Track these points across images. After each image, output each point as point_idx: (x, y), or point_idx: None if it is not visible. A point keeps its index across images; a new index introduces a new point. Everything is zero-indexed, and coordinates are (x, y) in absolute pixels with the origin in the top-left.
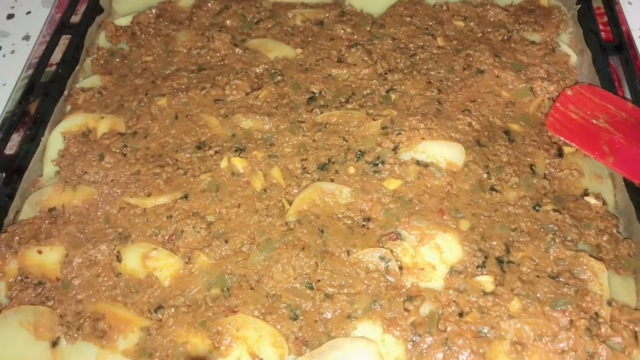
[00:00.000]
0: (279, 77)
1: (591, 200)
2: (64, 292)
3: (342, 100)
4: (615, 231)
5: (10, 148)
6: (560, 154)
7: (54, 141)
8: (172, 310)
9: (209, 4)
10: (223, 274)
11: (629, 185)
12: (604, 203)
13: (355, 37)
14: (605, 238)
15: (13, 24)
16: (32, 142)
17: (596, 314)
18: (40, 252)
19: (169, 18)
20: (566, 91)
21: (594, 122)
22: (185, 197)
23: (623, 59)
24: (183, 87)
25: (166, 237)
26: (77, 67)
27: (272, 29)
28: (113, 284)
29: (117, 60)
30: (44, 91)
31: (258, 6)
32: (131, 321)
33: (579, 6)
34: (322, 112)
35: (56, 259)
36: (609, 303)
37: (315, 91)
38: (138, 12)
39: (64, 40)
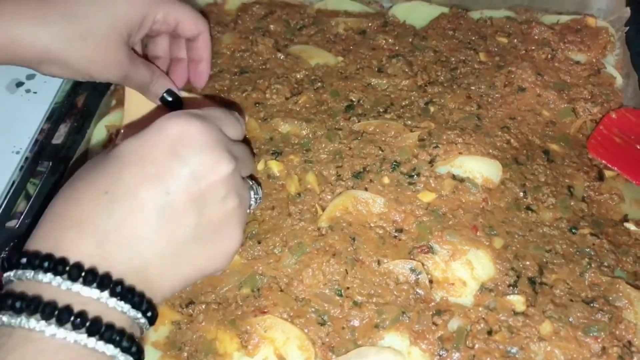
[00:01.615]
0: (319, 84)
1: (631, 226)
2: None
3: (380, 110)
4: None
5: (58, 138)
6: (600, 177)
7: (98, 133)
8: (203, 306)
9: (254, 9)
10: (254, 274)
11: None
12: None
13: (397, 47)
14: None
15: None
16: (78, 134)
17: (629, 342)
18: None
19: (214, 20)
20: (610, 114)
21: (638, 147)
22: None
23: None
24: (225, 88)
25: None
26: None
27: (314, 36)
28: None
29: None
30: (92, 85)
31: (302, 13)
32: (163, 314)
33: (627, 28)
34: (359, 121)
35: None
36: None
37: (353, 99)
38: None
39: None
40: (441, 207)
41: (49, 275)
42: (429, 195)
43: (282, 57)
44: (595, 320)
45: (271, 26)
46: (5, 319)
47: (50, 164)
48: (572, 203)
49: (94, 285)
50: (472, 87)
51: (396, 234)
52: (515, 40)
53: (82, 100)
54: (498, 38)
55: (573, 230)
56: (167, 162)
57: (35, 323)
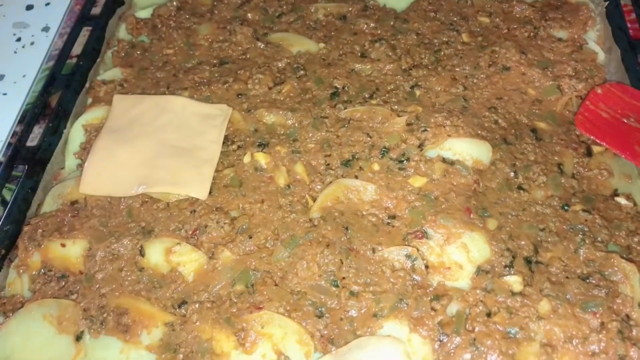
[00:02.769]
0: (302, 72)
1: (622, 200)
2: (87, 285)
3: (366, 95)
4: None
5: (32, 140)
6: (589, 153)
7: (75, 134)
8: (196, 305)
9: None
10: (247, 269)
11: None
12: (635, 204)
13: (379, 31)
14: (636, 239)
15: (32, 15)
16: (54, 135)
17: (627, 316)
18: (63, 245)
19: (189, 11)
20: (596, 89)
21: (625, 121)
22: (209, 192)
23: None
24: (205, 80)
25: (190, 232)
26: (98, 60)
27: (294, 23)
28: (136, 278)
29: (138, 53)
30: (65, 83)
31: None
32: (155, 316)
33: (607, 3)
34: (345, 108)
35: (79, 252)
36: None
37: (338, 86)
38: (159, 5)
39: (85, 32)
40: (433, 191)
41: None
42: (420, 179)
43: (262, 46)
44: (593, 296)
45: (249, 15)
46: None
47: (26, 168)
48: (563, 180)
49: None
50: (457, 69)
51: (389, 221)
52: (497, 19)
53: (56, 100)
54: (480, 18)
55: (565, 207)
56: None
57: None
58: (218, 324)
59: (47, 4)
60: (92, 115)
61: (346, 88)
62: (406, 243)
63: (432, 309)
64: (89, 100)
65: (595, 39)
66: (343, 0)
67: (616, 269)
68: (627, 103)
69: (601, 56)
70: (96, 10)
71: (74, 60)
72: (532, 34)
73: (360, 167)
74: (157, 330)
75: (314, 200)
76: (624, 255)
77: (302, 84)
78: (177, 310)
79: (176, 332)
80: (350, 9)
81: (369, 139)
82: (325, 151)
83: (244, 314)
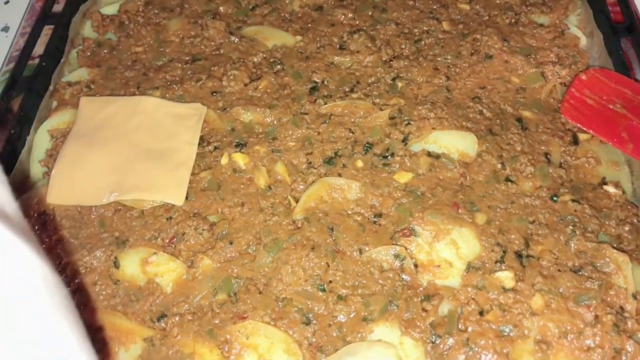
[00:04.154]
0: (279, 67)
1: (610, 189)
2: None
3: (346, 89)
4: (635, 220)
5: None
6: (575, 141)
7: (40, 140)
8: (177, 318)
9: None
10: (229, 277)
11: None
12: (623, 192)
13: (357, 22)
14: (626, 228)
15: None
16: (17, 142)
17: (621, 308)
18: None
19: (158, 6)
20: (580, 76)
21: (611, 107)
22: (185, 197)
23: (634, 40)
24: (177, 79)
25: (167, 241)
26: (62, 60)
27: (268, 16)
28: (111, 292)
29: (105, 51)
30: (27, 86)
31: None
32: (133, 331)
33: None
34: (325, 103)
35: None
36: (634, 296)
37: (317, 80)
38: (125, 0)
39: (47, 31)
40: (419, 186)
41: None
42: (406, 175)
43: (236, 40)
44: (585, 288)
45: (221, 8)
46: None
47: None
48: (551, 170)
49: None
50: (439, 59)
51: (375, 220)
52: (477, 6)
53: (18, 104)
54: (460, 5)
55: (554, 198)
56: None
57: None
58: (200, 337)
59: (7, 2)
60: (57, 120)
61: (326, 82)
62: (394, 242)
63: (423, 309)
64: (54, 104)
65: (577, 24)
66: None
67: (608, 259)
68: (613, 89)
69: (583, 41)
70: (58, 7)
71: (36, 61)
72: (513, 20)
73: (343, 165)
74: (136, 347)
75: (297, 201)
76: (615, 245)
77: (280, 79)
78: (157, 324)
79: (156, 347)
80: None
81: (351, 134)
82: (306, 149)
83: (227, 324)
